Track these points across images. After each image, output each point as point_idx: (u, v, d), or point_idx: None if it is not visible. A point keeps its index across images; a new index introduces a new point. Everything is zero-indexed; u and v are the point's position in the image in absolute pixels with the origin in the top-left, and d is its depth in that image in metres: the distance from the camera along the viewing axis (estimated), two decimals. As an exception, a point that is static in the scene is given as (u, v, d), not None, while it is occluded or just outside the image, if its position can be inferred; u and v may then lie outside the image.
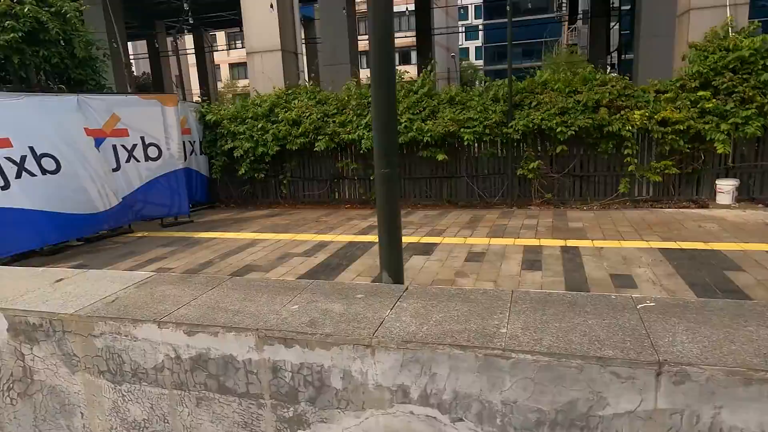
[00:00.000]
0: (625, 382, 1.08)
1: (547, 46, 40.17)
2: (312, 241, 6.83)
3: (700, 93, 7.46)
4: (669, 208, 7.76)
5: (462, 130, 8.25)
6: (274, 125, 9.31)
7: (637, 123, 7.59)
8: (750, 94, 7.19)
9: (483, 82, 9.02)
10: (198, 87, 28.12)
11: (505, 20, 8.81)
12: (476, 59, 56.96)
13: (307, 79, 13.32)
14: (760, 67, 7.19)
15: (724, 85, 7.34)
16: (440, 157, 8.44)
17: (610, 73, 21.47)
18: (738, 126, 7.28)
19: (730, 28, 7.61)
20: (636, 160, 7.86)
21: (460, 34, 56.98)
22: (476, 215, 7.99)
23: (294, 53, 10.86)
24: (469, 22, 57.72)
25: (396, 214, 2.04)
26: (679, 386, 1.03)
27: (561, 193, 8.47)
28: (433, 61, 9.21)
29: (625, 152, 7.82)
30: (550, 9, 41.44)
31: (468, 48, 57.89)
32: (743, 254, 5.26)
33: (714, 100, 7.40)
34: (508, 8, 8.42)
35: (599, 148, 7.98)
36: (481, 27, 52.32)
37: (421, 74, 9.06)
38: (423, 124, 8.42)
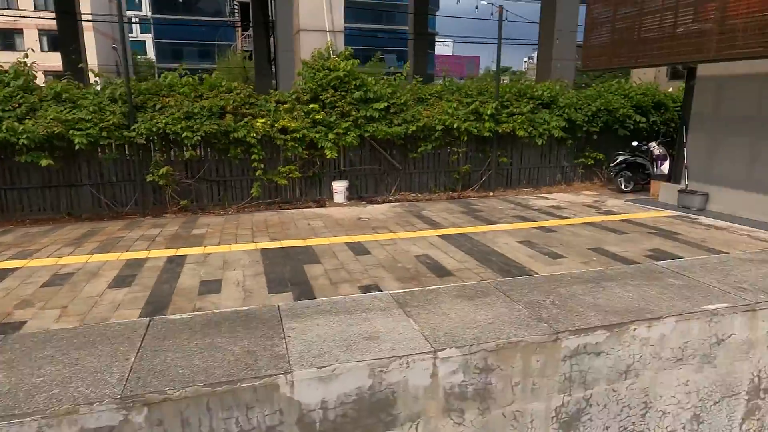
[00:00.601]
0: None
1: (221, 49, 40.24)
2: None
3: (312, 105, 8.43)
4: (295, 208, 8.52)
5: (72, 131, 7.18)
6: None
7: (260, 130, 8.05)
8: (347, 108, 8.51)
9: (99, 80, 8.09)
10: None
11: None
12: (154, 54, 52.52)
13: None
14: (353, 86, 8.58)
15: (328, 100, 8.49)
16: (44, 162, 7.15)
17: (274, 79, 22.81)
18: (341, 135, 8.52)
19: (331, 51, 8.83)
20: (263, 166, 8.34)
21: (135, 25, 51.65)
22: (95, 228, 7.09)
23: None
24: (143, 13, 52.48)
25: None
26: None
27: (200, 198, 8.33)
28: (28, 50, 7.73)
29: (253, 158, 8.21)
30: (224, 13, 41.60)
31: (145, 41, 52.75)
32: (328, 247, 6.09)
33: (322, 112, 8.46)
34: (117, 2, 7.73)
35: (229, 154, 8.16)
36: (151, 21, 48.47)
37: (12, 64, 7.49)
38: (18, 124, 6.98)
